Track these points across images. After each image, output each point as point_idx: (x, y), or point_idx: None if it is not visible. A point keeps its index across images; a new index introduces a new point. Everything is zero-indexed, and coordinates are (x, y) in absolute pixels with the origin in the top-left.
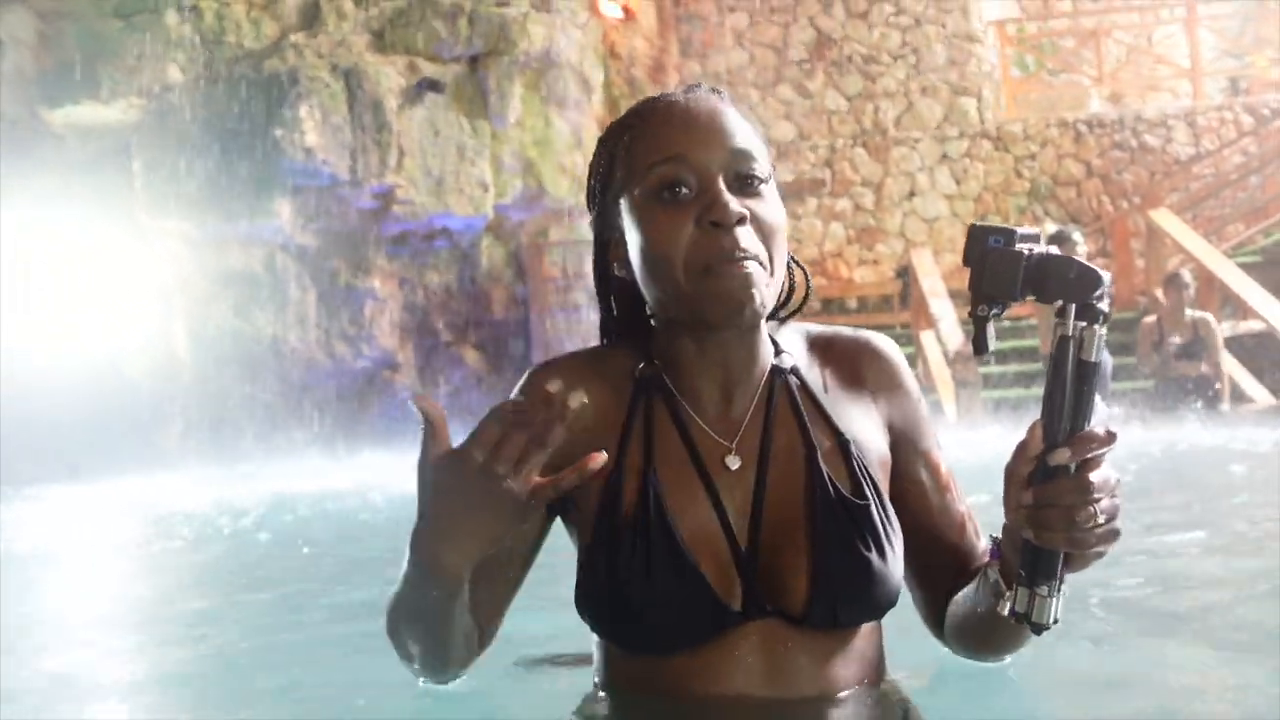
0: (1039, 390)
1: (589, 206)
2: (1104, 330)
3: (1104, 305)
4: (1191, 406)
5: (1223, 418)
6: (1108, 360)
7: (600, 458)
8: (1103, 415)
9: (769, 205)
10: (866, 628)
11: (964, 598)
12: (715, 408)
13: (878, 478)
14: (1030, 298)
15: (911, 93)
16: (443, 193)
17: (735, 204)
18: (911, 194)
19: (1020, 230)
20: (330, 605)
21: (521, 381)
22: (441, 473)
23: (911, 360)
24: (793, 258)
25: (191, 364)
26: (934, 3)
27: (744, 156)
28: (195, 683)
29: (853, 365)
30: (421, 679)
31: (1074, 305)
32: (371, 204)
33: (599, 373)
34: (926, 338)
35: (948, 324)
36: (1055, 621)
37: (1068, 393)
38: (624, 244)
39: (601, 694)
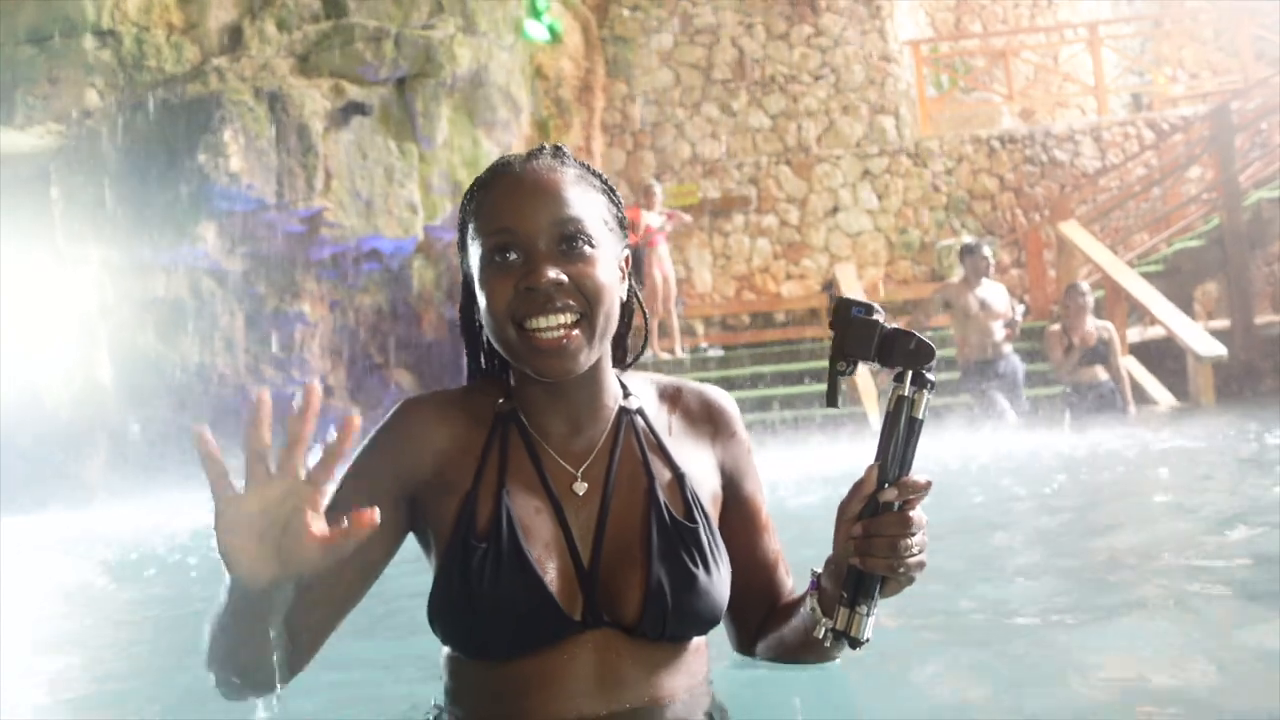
0: (955, 399)
1: (459, 253)
2: (930, 395)
3: (931, 375)
4: (1095, 410)
5: (1126, 419)
6: (1020, 366)
7: (372, 515)
8: (1011, 415)
9: (594, 268)
10: (693, 643)
11: (780, 625)
12: (564, 440)
13: (709, 509)
14: (876, 362)
15: (832, 111)
16: (372, 215)
17: (552, 271)
18: (835, 209)
19: (876, 305)
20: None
21: (392, 412)
22: (223, 510)
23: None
24: (637, 298)
25: (115, 392)
26: (851, 24)
27: (568, 224)
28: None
29: (695, 413)
30: (227, 692)
31: (910, 371)
32: (299, 228)
33: (463, 407)
34: None
35: None
36: (868, 639)
37: (900, 443)
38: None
39: (447, 704)
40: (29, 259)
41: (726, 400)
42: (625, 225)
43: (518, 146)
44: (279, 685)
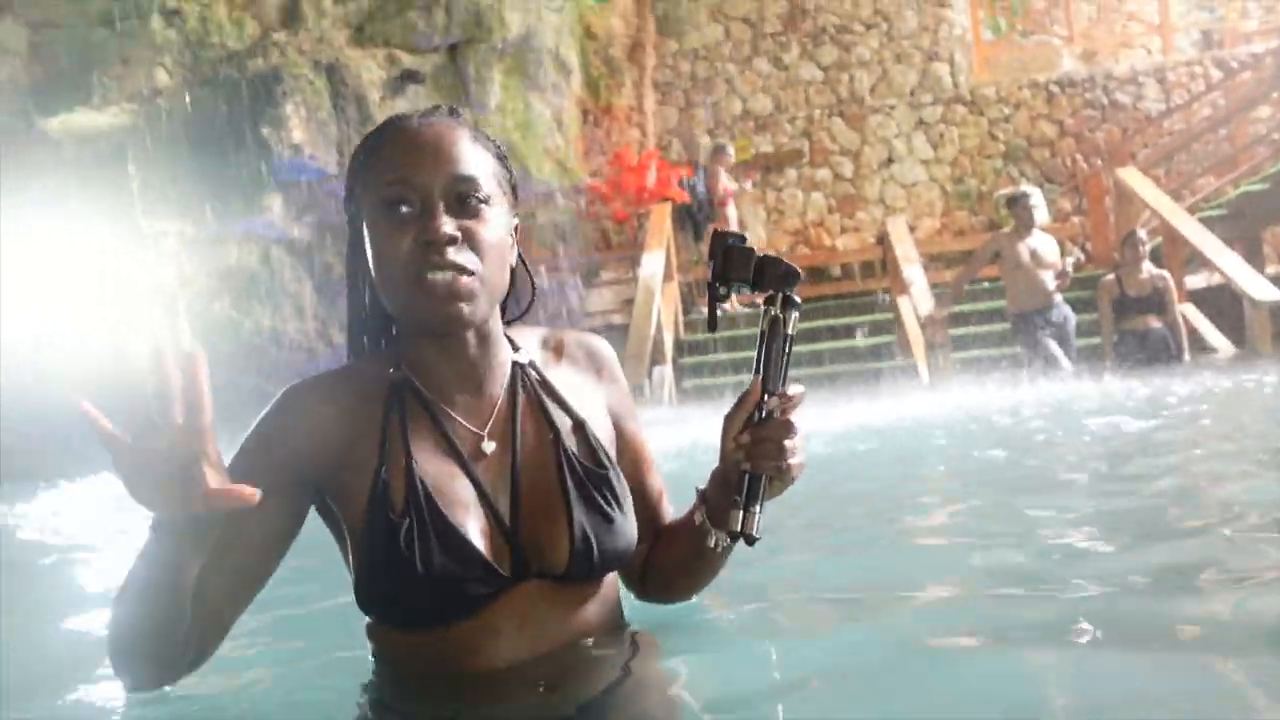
0: (1007, 349)
1: (345, 209)
2: (798, 314)
3: (797, 297)
4: (1149, 359)
5: (1184, 368)
6: (1071, 316)
7: (252, 494)
8: (1065, 363)
9: (487, 225)
10: (609, 577)
11: (667, 548)
12: (465, 401)
13: (609, 450)
14: (751, 286)
15: (885, 61)
16: None
17: (449, 225)
18: (889, 161)
19: (746, 235)
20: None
21: (276, 399)
22: (119, 462)
23: (890, 325)
24: (525, 265)
25: None
26: None
27: (464, 181)
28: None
29: (580, 360)
30: (132, 680)
31: (780, 294)
32: None
33: (350, 385)
34: (904, 303)
35: (919, 289)
36: (759, 537)
37: (777, 357)
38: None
39: (377, 670)
40: (111, 233)
41: (605, 346)
42: (516, 192)
43: (569, 107)
44: (184, 668)
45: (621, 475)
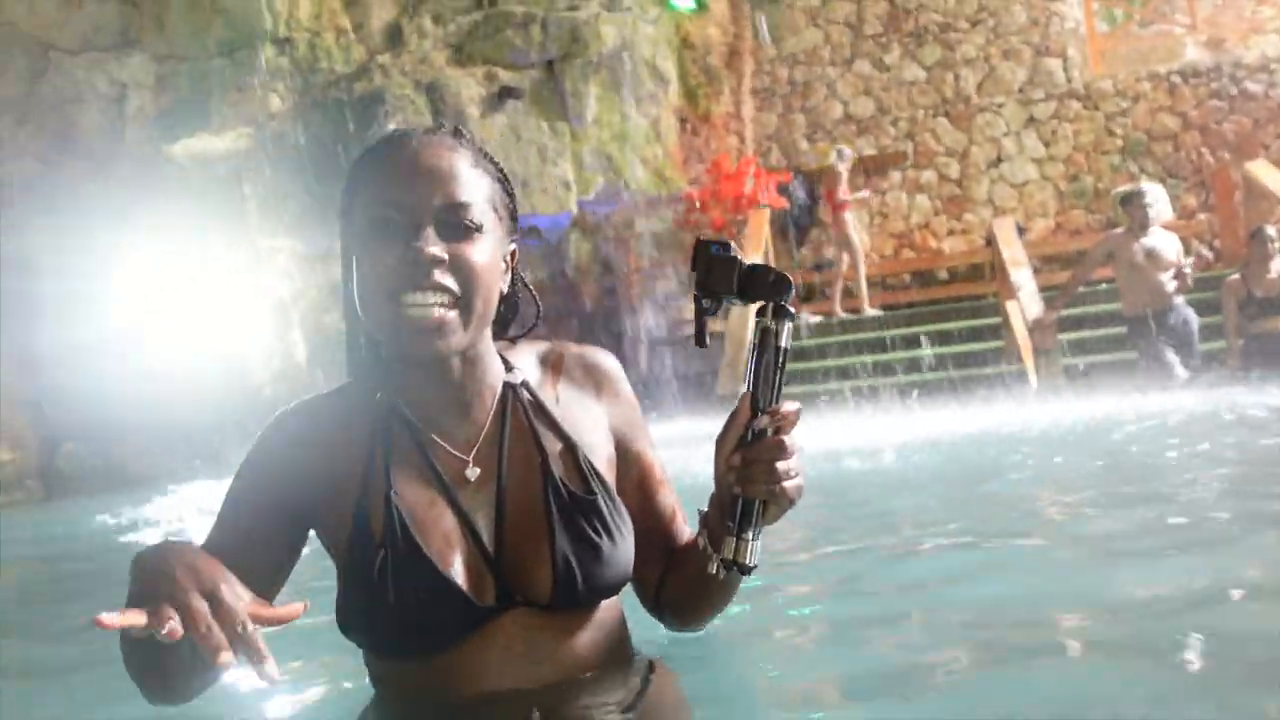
0: (1124, 354)
1: (340, 226)
2: (791, 325)
3: (791, 307)
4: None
5: None
6: (1193, 319)
7: (299, 608)
8: (1180, 371)
9: (476, 249)
10: (607, 604)
11: (677, 571)
12: (450, 426)
13: (605, 475)
14: (738, 298)
15: (992, 58)
16: (528, 194)
17: (436, 246)
18: (998, 160)
19: (732, 244)
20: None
21: (264, 430)
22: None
23: (997, 330)
24: (525, 284)
25: (309, 368)
26: None
27: (457, 207)
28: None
29: (578, 377)
30: (149, 697)
31: (771, 304)
32: None
33: (338, 411)
34: (1012, 307)
35: (1028, 292)
36: (755, 565)
37: (769, 372)
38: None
39: (375, 697)
40: (230, 249)
41: (609, 360)
42: (516, 217)
43: (666, 117)
44: (193, 694)
45: (616, 500)
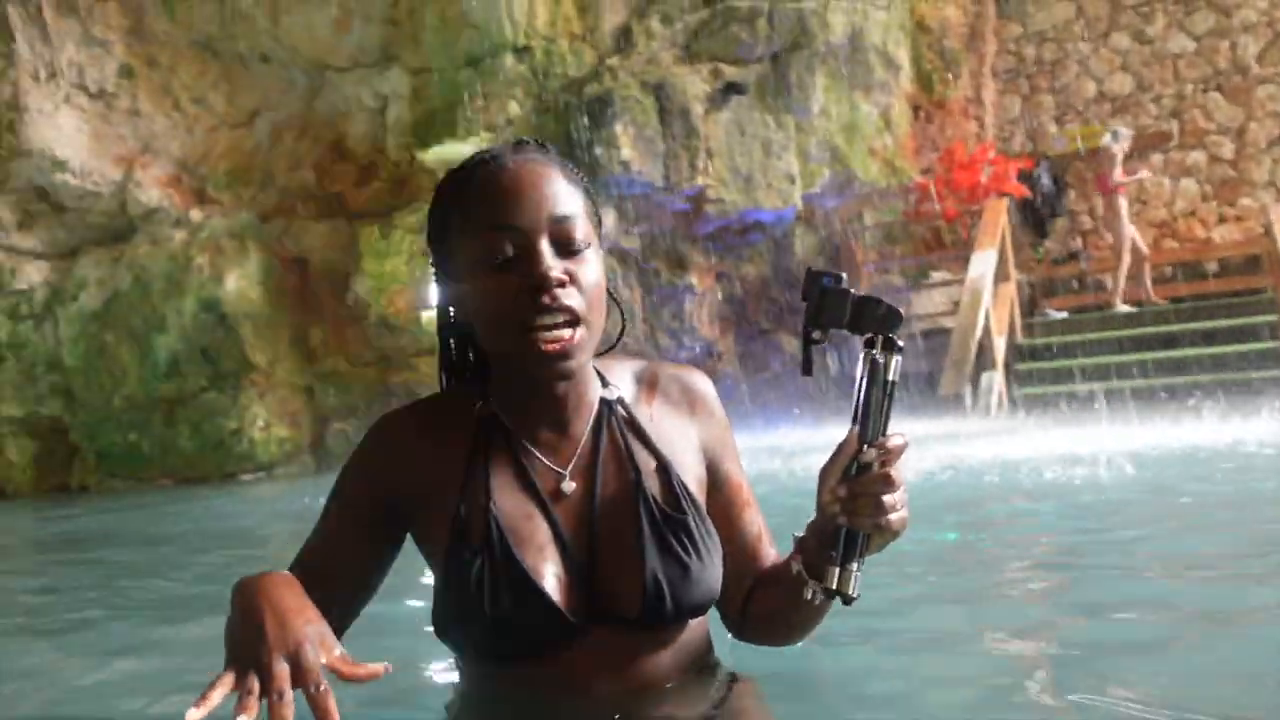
0: None
1: (430, 250)
2: (900, 358)
3: (900, 340)
4: None
5: None
6: None
7: (380, 669)
8: None
9: (588, 267)
10: (694, 621)
11: (765, 592)
12: (550, 439)
13: (695, 494)
14: (849, 330)
15: (1277, 22)
16: (751, 189)
17: (556, 268)
18: None
19: (844, 274)
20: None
21: (367, 432)
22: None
23: (1276, 329)
24: (614, 298)
25: None
26: None
27: (565, 222)
28: None
29: (673, 397)
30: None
31: (880, 336)
32: (685, 206)
33: (439, 418)
34: None
35: None
36: (858, 596)
37: (877, 405)
38: (460, 293)
39: (463, 700)
40: None
41: (703, 381)
42: (601, 224)
43: (898, 105)
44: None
45: (706, 520)
